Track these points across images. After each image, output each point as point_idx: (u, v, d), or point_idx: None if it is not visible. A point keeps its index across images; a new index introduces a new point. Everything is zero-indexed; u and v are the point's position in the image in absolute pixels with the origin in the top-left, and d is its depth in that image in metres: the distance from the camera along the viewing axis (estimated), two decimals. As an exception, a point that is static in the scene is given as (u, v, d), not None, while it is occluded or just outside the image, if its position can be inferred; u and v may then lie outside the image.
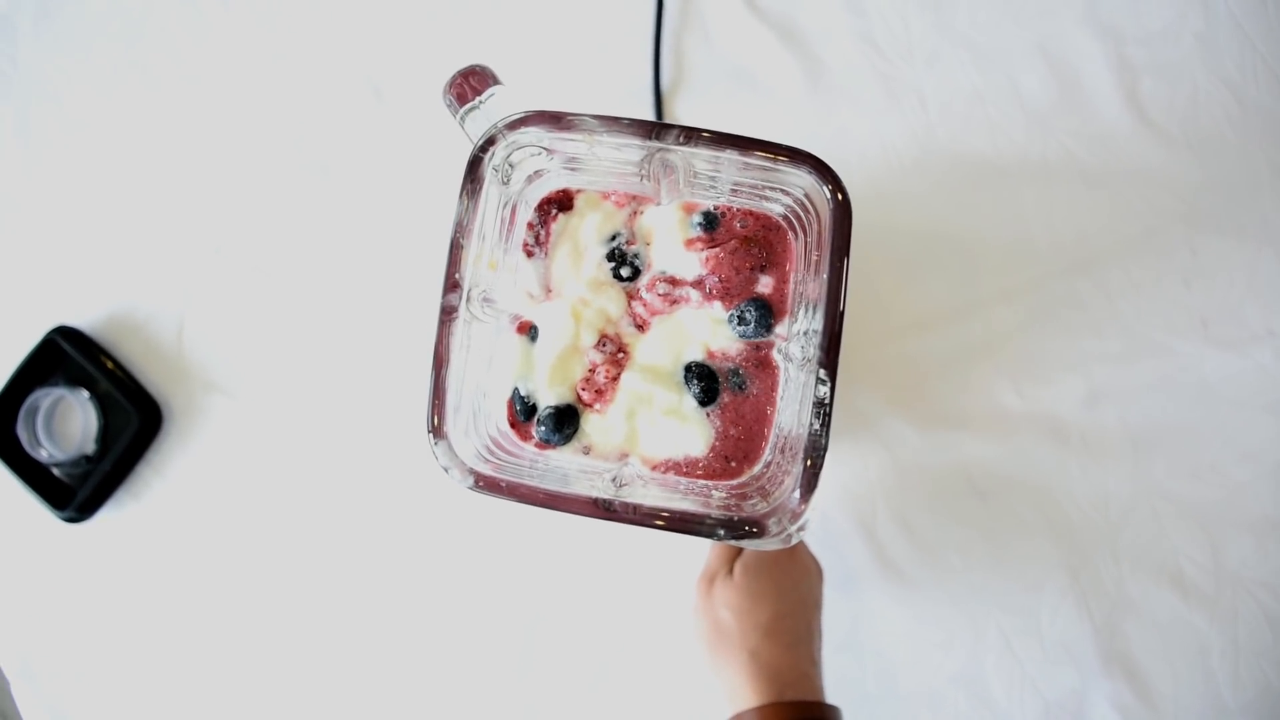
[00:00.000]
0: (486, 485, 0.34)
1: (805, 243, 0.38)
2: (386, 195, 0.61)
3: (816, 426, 0.33)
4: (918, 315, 0.60)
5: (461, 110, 0.38)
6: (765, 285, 0.40)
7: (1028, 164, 0.60)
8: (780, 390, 0.39)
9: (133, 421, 0.59)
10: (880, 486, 0.59)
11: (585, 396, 0.40)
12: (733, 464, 0.39)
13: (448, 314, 0.35)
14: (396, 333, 0.61)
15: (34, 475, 0.60)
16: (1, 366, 0.60)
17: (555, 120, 0.36)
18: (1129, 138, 0.60)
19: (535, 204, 0.41)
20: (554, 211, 0.40)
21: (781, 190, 0.38)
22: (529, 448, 0.39)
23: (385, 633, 0.60)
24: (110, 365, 0.60)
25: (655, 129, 0.35)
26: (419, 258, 0.60)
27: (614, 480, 0.36)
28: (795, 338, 0.37)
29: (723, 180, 0.38)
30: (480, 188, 0.36)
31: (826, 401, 0.33)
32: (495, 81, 0.39)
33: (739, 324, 0.39)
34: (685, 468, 0.39)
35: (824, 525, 0.59)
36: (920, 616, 0.58)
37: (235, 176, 0.63)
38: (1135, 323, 0.59)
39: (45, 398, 0.60)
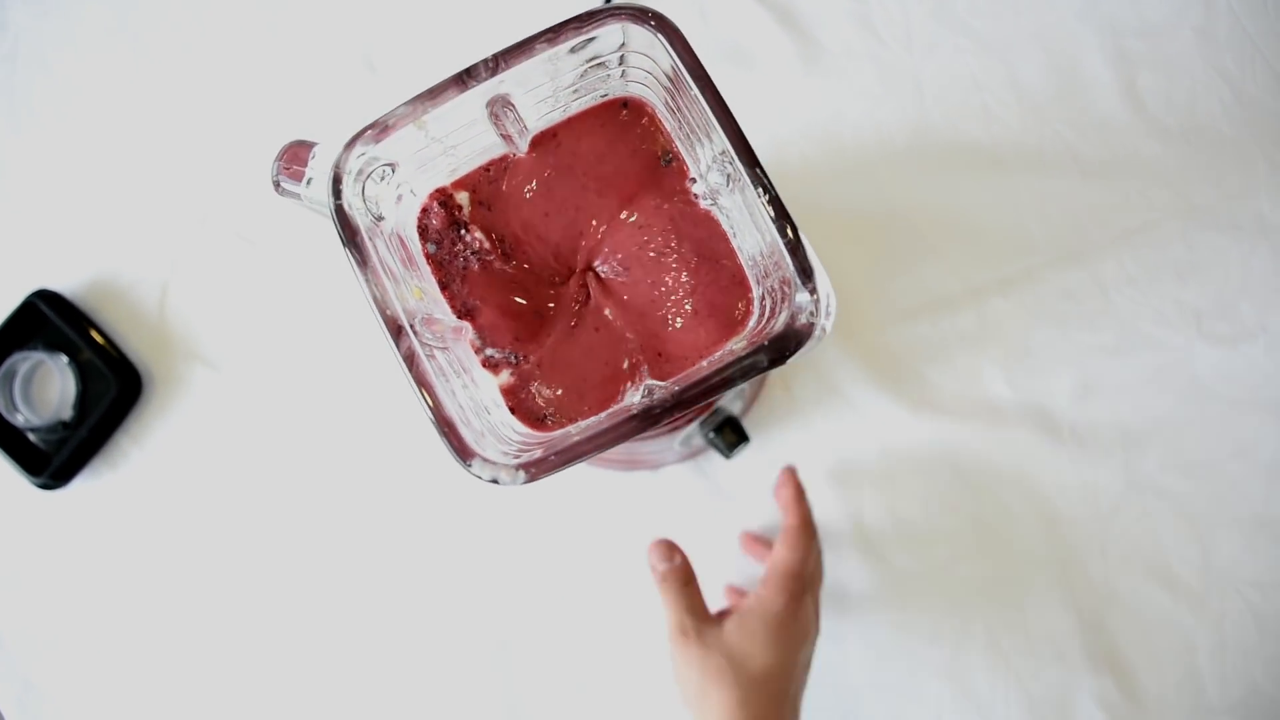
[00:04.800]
0: (539, 469, 0.32)
1: (665, 98, 0.37)
2: (376, 168, 0.61)
3: (774, 216, 0.32)
4: (909, 303, 0.59)
5: (303, 184, 0.37)
6: None
7: (1023, 154, 0.60)
8: (727, 228, 0.38)
9: (111, 389, 0.59)
10: (867, 476, 0.58)
11: None
12: (718, 320, 0.38)
13: (409, 359, 0.33)
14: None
15: (9, 440, 0.59)
16: (-20, 330, 0.59)
17: (375, 126, 0.34)
18: (1126, 130, 0.60)
19: (413, 224, 0.38)
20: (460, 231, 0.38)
21: (617, 63, 0.36)
22: (554, 433, 0.38)
23: (363, 615, 0.59)
24: (91, 331, 0.59)
25: (463, 76, 0.34)
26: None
27: (642, 394, 0.35)
28: (710, 170, 0.36)
29: (560, 88, 0.36)
30: (360, 236, 0.34)
31: (771, 192, 0.32)
32: (313, 144, 0.37)
33: None
34: (694, 342, 0.37)
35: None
36: (906, 608, 0.57)
37: (223, 144, 0.62)
38: (1128, 316, 0.59)
39: (23, 362, 0.59)
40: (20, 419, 0.59)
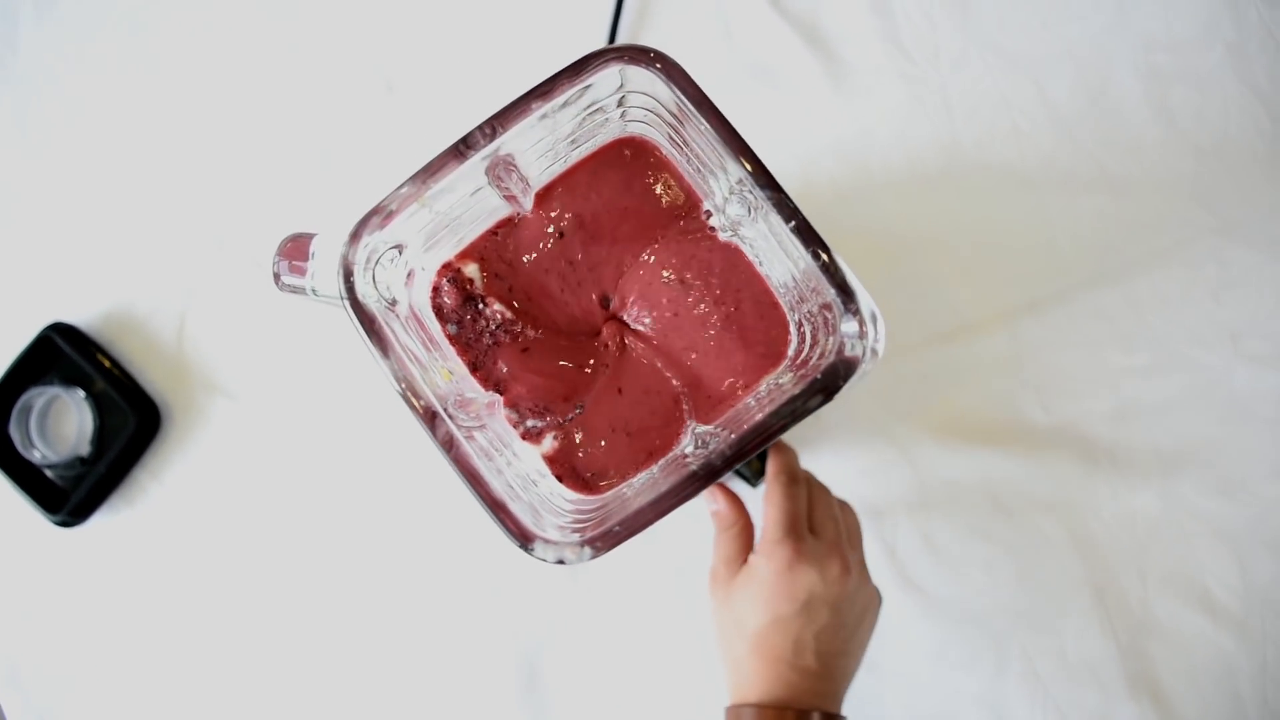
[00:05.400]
0: (605, 543, 0.31)
1: (669, 133, 0.35)
2: (397, 193, 0.60)
3: (803, 242, 0.31)
4: (940, 326, 0.58)
5: (307, 278, 0.35)
6: None
7: (1054, 172, 0.59)
8: (752, 257, 0.36)
9: (129, 423, 0.57)
10: (902, 503, 0.58)
11: None
12: (763, 351, 0.36)
13: (448, 443, 0.32)
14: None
15: (26, 477, 0.57)
16: (-6, 364, 0.58)
17: (378, 213, 0.33)
18: (1158, 147, 0.59)
19: (428, 303, 0.37)
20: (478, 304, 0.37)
21: (615, 105, 0.35)
22: (607, 494, 0.36)
23: (386, 648, 0.58)
24: (107, 364, 0.58)
25: (461, 146, 0.33)
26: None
27: (695, 444, 0.34)
28: (728, 202, 0.35)
29: (559, 141, 0.35)
30: (378, 323, 0.33)
31: (798, 218, 0.31)
32: (311, 235, 0.36)
33: None
34: (733, 377, 0.36)
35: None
36: (943, 636, 0.56)
37: (239, 170, 0.61)
38: (1163, 336, 0.58)
39: (39, 397, 0.58)
40: (37, 455, 0.57)
